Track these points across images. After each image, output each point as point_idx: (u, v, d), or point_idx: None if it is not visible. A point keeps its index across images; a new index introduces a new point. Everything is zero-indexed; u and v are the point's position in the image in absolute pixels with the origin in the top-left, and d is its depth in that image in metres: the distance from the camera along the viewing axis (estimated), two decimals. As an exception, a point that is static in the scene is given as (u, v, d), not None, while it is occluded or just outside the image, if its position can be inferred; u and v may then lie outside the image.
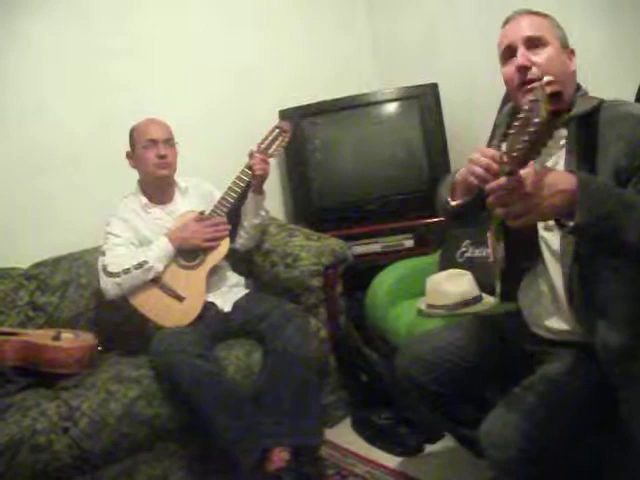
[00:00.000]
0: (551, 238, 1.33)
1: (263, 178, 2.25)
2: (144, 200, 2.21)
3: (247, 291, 2.26)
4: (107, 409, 1.79)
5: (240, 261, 2.40)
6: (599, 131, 1.26)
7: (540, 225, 1.34)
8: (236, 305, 2.16)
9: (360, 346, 2.24)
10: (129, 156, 2.21)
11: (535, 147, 1.02)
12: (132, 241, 2.14)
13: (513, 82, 1.33)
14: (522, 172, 1.06)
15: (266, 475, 1.82)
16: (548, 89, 0.97)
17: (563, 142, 1.32)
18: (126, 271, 2.02)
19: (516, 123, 1.03)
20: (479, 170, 1.22)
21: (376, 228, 2.59)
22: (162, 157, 2.14)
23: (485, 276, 1.98)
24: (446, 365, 1.49)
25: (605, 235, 1.12)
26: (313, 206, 2.70)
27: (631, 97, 1.85)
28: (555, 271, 1.33)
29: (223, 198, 2.21)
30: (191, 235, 2.13)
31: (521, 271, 1.43)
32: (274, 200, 2.80)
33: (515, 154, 1.03)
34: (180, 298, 2.09)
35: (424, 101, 2.58)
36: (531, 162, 1.06)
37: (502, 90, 1.63)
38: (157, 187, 2.23)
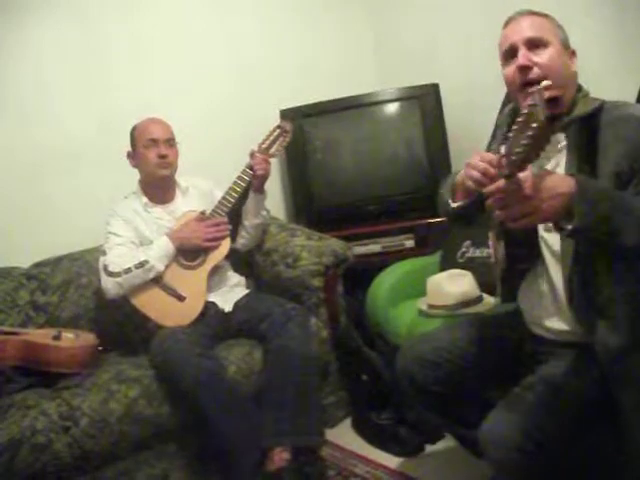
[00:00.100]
0: (552, 239, 1.33)
1: (264, 178, 2.25)
2: (145, 200, 2.21)
3: (248, 291, 2.26)
4: (108, 409, 1.79)
5: (241, 261, 2.40)
6: (600, 133, 1.26)
7: (540, 226, 1.35)
8: (237, 305, 2.16)
9: (360, 346, 2.23)
10: (130, 156, 2.21)
11: (533, 151, 1.03)
12: (133, 240, 2.13)
13: (514, 83, 1.33)
14: (521, 175, 1.07)
15: (266, 475, 1.81)
16: (546, 94, 0.97)
17: (564, 144, 1.32)
18: (127, 270, 2.02)
19: (515, 127, 1.04)
20: (476, 174, 1.23)
21: (377, 228, 2.59)
22: (163, 157, 2.14)
23: (485, 276, 1.99)
24: (446, 365, 1.49)
25: (603, 238, 1.13)
26: (314, 206, 2.70)
27: (632, 96, 1.85)
28: (555, 271, 1.33)
29: (224, 198, 2.21)
30: (192, 235, 2.13)
31: (521, 271, 1.43)
32: (275, 200, 2.81)
33: (514, 158, 1.04)
34: (181, 298, 2.09)
35: (425, 101, 2.59)
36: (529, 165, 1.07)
37: (503, 90, 1.63)
38: (158, 187, 2.23)
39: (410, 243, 2.54)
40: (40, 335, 1.98)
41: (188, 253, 2.15)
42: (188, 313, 2.07)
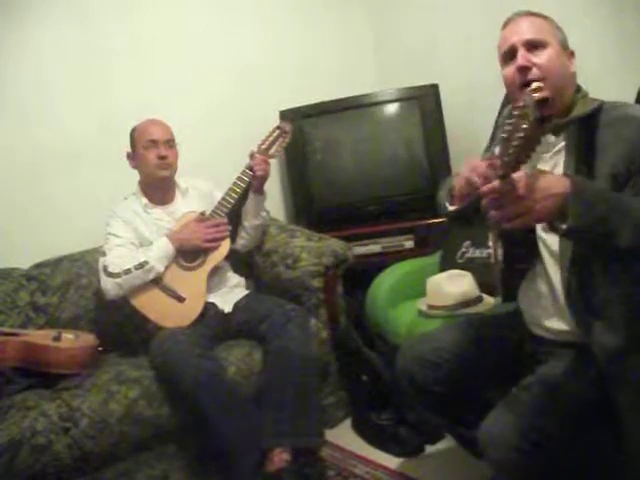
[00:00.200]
0: (550, 239, 1.33)
1: (264, 179, 2.25)
2: (144, 201, 2.21)
3: (247, 292, 2.26)
4: (107, 409, 1.79)
5: (241, 262, 2.40)
6: (598, 133, 1.26)
7: (539, 226, 1.35)
8: (236, 306, 2.16)
9: (360, 346, 2.23)
10: (130, 157, 2.21)
11: (524, 152, 1.04)
12: (132, 241, 2.13)
13: (514, 83, 1.33)
14: (515, 175, 1.08)
15: (266, 476, 1.82)
16: (536, 96, 0.98)
17: (563, 144, 1.32)
18: (127, 271, 2.02)
19: (507, 128, 1.04)
20: (466, 189, 1.25)
21: (376, 229, 2.59)
22: (163, 158, 2.14)
23: (485, 277, 1.99)
24: (446, 365, 1.49)
25: (598, 239, 1.14)
26: (313, 207, 2.70)
27: (632, 96, 1.85)
28: (554, 272, 1.33)
29: (224, 199, 2.21)
30: (192, 236, 2.13)
31: (521, 271, 1.43)
32: (275, 201, 2.81)
33: (506, 159, 1.05)
34: (180, 299, 2.09)
35: (425, 102, 2.59)
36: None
37: (503, 91, 1.63)
38: (158, 188, 2.23)
39: (410, 243, 2.54)
40: (40, 336, 1.98)
41: (188, 254, 2.15)
42: (188, 314, 2.07)
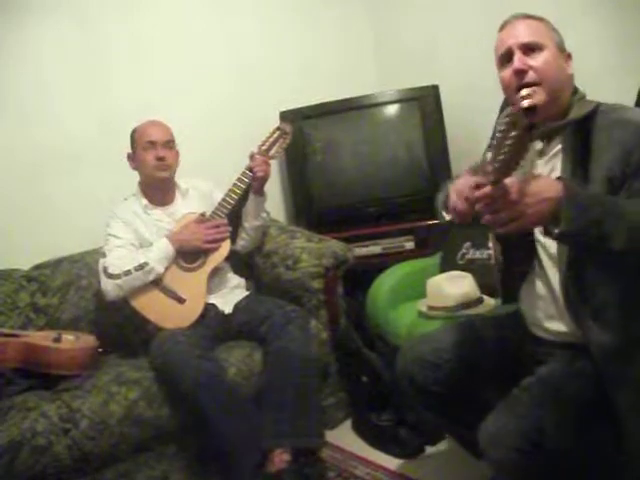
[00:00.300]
0: (548, 242, 1.33)
1: (264, 180, 2.25)
2: (144, 202, 2.21)
3: (248, 293, 2.26)
4: (108, 411, 1.79)
5: (241, 263, 2.40)
6: (594, 136, 1.26)
7: (537, 229, 1.35)
8: (237, 307, 2.16)
9: (360, 347, 2.23)
10: (130, 158, 2.21)
11: (513, 160, 1.05)
12: (133, 242, 2.13)
13: (510, 86, 1.33)
14: (507, 180, 1.09)
15: (266, 476, 1.81)
16: (525, 103, 0.98)
17: (559, 147, 1.32)
18: (127, 273, 2.02)
19: (497, 134, 1.05)
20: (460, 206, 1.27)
21: (377, 230, 2.59)
22: (161, 159, 2.13)
23: (486, 278, 1.99)
24: (446, 366, 1.49)
25: (592, 242, 1.14)
26: (314, 208, 2.70)
27: (632, 96, 1.85)
28: (553, 274, 1.33)
29: (224, 200, 2.21)
30: (192, 237, 2.13)
31: (521, 273, 1.43)
32: (275, 202, 2.80)
33: (497, 165, 1.07)
34: (181, 300, 2.09)
35: (425, 103, 2.59)
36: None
37: (502, 92, 1.63)
38: (157, 189, 2.23)
39: (410, 245, 2.54)
40: (40, 337, 1.97)
41: (188, 255, 2.15)
42: (188, 315, 2.06)
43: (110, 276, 2.03)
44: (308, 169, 2.69)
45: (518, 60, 1.31)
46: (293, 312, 2.05)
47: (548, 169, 1.34)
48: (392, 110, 2.68)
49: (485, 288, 2.00)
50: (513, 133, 1.01)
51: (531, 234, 1.37)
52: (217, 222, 2.18)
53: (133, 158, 2.20)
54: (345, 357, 2.27)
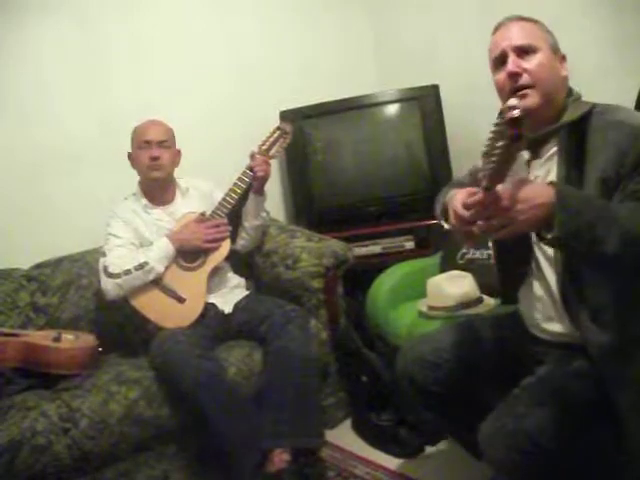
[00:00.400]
0: None
1: (264, 179, 2.25)
2: (144, 201, 2.21)
3: (248, 292, 2.26)
4: (107, 410, 1.79)
5: (241, 262, 2.40)
6: (589, 138, 1.26)
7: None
8: (237, 306, 2.16)
9: (360, 347, 2.23)
10: (130, 157, 2.21)
11: (501, 168, 1.06)
12: (133, 242, 2.13)
13: (505, 89, 1.33)
14: (499, 187, 1.10)
15: (266, 476, 1.81)
16: (508, 114, 0.98)
17: (555, 149, 1.32)
18: (127, 272, 2.02)
19: (487, 143, 1.05)
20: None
21: (377, 229, 2.59)
22: (154, 159, 2.13)
23: (486, 278, 1.99)
24: (446, 366, 1.49)
25: (585, 246, 1.14)
26: (314, 207, 2.70)
27: (632, 97, 1.85)
28: (551, 275, 1.34)
29: (224, 199, 2.21)
30: (192, 236, 2.13)
31: (519, 275, 1.44)
32: (275, 201, 2.81)
33: (487, 173, 1.07)
34: (181, 299, 2.09)
35: (425, 103, 2.59)
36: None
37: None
38: (156, 188, 2.22)
39: (410, 244, 2.54)
40: (40, 336, 1.98)
41: (188, 254, 2.15)
42: (188, 315, 2.07)
43: (110, 275, 2.03)
44: (308, 169, 2.69)
45: (512, 63, 1.31)
46: (293, 312, 2.05)
47: (544, 171, 1.34)
48: (392, 110, 2.68)
49: (485, 288, 2.00)
50: (500, 143, 1.02)
51: (528, 236, 1.37)
52: (217, 222, 2.18)
53: (132, 157, 2.20)
54: (345, 357, 2.27)
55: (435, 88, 2.59)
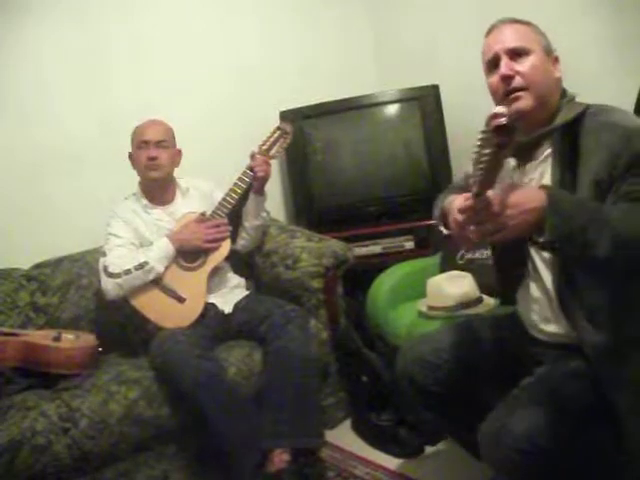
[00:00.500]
0: None
1: (264, 179, 2.25)
2: (145, 201, 2.21)
3: (248, 292, 2.26)
4: (107, 410, 1.79)
5: (241, 262, 2.40)
6: (582, 139, 1.26)
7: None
8: (237, 306, 2.16)
9: (360, 347, 2.23)
10: (130, 157, 2.21)
11: (489, 175, 1.06)
12: (133, 242, 2.13)
13: (498, 92, 1.33)
14: (489, 193, 1.10)
15: (266, 476, 1.81)
16: (493, 122, 0.98)
17: (549, 151, 1.32)
18: (127, 272, 2.02)
19: (475, 150, 1.05)
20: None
21: (377, 229, 2.59)
22: (152, 159, 2.13)
23: (485, 278, 1.99)
24: (446, 366, 1.49)
25: (576, 250, 1.15)
26: (314, 207, 2.70)
27: (631, 97, 1.85)
28: (547, 277, 1.34)
29: (224, 199, 2.21)
30: (192, 236, 2.13)
31: (517, 277, 1.44)
32: (275, 201, 2.81)
33: (476, 179, 1.08)
34: (181, 299, 2.09)
35: (425, 103, 2.59)
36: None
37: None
38: (155, 188, 2.22)
39: (410, 244, 2.54)
40: (40, 336, 1.98)
41: (188, 254, 2.15)
42: (188, 314, 2.07)
43: (110, 275, 2.03)
44: (308, 169, 2.69)
45: (505, 66, 1.31)
46: (293, 312, 2.05)
47: (538, 174, 1.33)
48: (392, 110, 2.68)
49: (485, 288, 2.00)
50: (487, 150, 1.02)
51: (524, 239, 1.37)
52: (217, 221, 2.18)
53: (132, 157, 2.20)
54: (345, 357, 2.27)
55: (435, 88, 2.59)
